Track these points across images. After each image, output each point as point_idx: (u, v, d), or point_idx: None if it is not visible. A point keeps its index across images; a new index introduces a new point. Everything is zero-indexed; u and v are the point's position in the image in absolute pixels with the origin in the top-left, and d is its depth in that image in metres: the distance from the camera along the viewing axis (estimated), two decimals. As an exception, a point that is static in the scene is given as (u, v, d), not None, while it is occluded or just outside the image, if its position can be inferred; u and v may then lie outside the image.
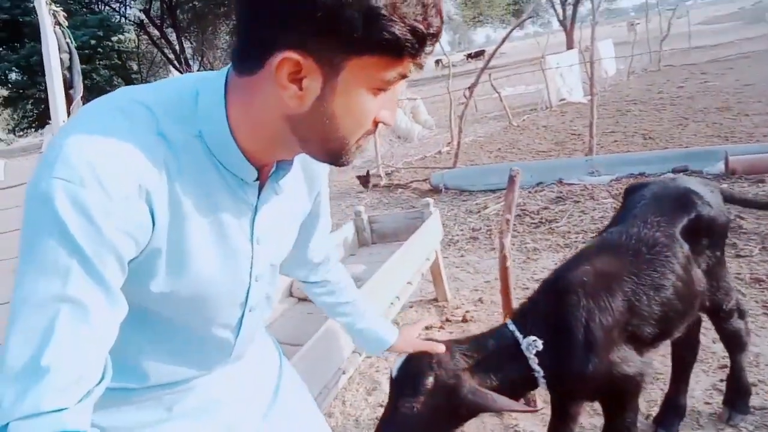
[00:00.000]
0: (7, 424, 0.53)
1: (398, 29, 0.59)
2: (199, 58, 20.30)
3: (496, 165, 6.74)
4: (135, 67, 19.71)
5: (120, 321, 0.63)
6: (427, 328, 3.20)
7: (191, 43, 20.17)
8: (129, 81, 19.08)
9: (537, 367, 1.45)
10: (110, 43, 14.73)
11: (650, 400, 2.21)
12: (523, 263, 3.92)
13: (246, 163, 0.72)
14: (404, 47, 0.60)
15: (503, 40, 5.91)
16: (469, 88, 6.37)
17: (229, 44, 21.47)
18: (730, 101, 8.75)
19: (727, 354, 2.07)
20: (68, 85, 4.06)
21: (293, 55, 0.61)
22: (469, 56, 37.09)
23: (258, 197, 0.78)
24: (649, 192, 1.81)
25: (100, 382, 0.60)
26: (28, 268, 0.58)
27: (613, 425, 1.61)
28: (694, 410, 2.10)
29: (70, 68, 4.03)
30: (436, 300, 3.53)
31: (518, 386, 1.50)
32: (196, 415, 0.88)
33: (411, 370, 1.38)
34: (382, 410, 2.47)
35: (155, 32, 17.76)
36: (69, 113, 3.96)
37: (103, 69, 15.45)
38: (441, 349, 1.40)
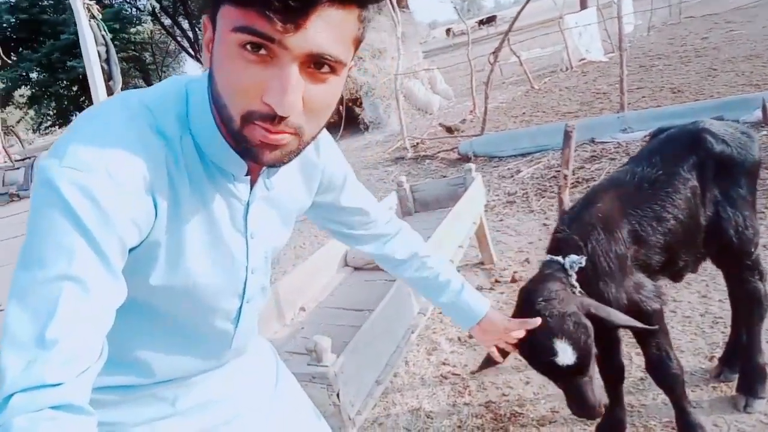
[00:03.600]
0: (11, 395, 0.53)
1: None
2: (212, 44, 20.39)
3: (523, 129, 6.71)
4: (149, 58, 19.84)
5: (120, 303, 0.65)
6: (477, 289, 3.27)
7: (201, 30, 20.12)
8: (145, 72, 19.22)
9: (575, 283, 1.56)
10: (127, 35, 14.83)
11: (712, 343, 2.26)
12: (564, 223, 3.95)
13: (234, 156, 0.73)
14: None
15: (526, 2, 5.81)
16: (493, 53, 6.31)
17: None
18: (758, 49, 8.51)
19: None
20: (107, 76, 4.15)
21: (205, 18, 0.68)
22: (481, 22, 36.42)
23: (250, 193, 0.81)
24: (665, 135, 1.93)
25: (98, 359, 0.61)
26: (35, 247, 0.60)
27: (648, 351, 1.70)
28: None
29: (107, 60, 4.11)
30: (482, 263, 3.60)
31: None
32: (198, 410, 0.92)
33: (574, 339, 1.36)
34: (444, 368, 2.59)
35: (168, 21, 17.82)
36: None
37: (121, 62, 15.57)
38: (537, 322, 1.32)
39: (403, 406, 2.35)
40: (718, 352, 2.16)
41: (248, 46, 0.61)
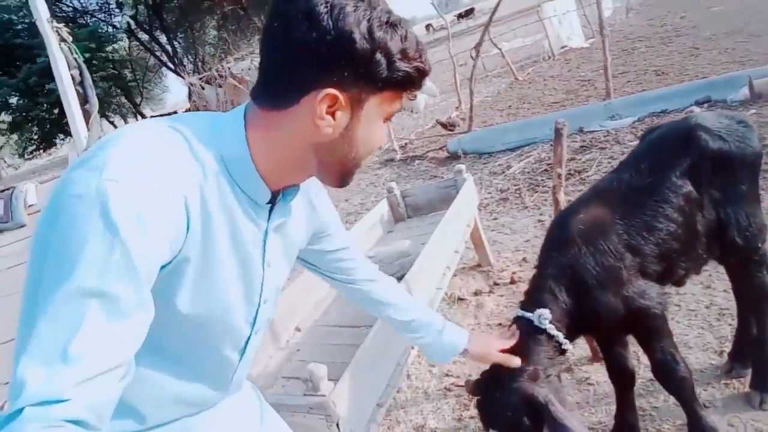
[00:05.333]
0: (22, 408, 0.53)
1: (408, 68, 0.76)
2: (192, 57, 20.13)
3: (512, 123, 6.64)
4: (129, 75, 19.64)
5: (149, 322, 0.65)
6: (476, 293, 3.21)
7: (180, 43, 19.99)
8: (127, 89, 19.02)
9: (556, 333, 1.52)
10: (104, 54, 14.66)
11: (720, 337, 2.20)
12: (558, 217, 3.89)
13: (262, 185, 0.80)
14: (410, 82, 0.78)
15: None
16: (474, 47, 6.24)
17: (218, 38, 21.23)
18: (738, 24, 8.51)
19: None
20: (83, 100, 4.05)
21: (333, 92, 0.74)
22: (460, 16, 36.43)
23: (268, 220, 0.85)
24: (655, 135, 1.83)
25: (121, 379, 0.62)
26: (65, 258, 0.59)
27: (653, 355, 1.64)
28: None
29: (81, 83, 4.01)
30: (479, 266, 3.53)
31: (556, 355, 1.55)
32: None
33: (508, 422, 1.40)
34: (447, 380, 2.51)
35: (145, 36, 17.63)
36: (88, 128, 3.97)
37: (101, 81, 15.40)
38: (517, 362, 1.42)
39: (407, 424, 2.27)
40: (727, 347, 2.10)
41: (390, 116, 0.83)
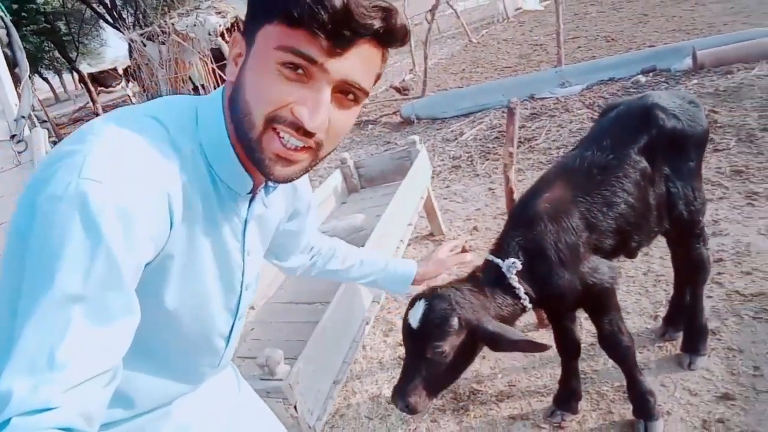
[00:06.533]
0: (9, 419, 0.52)
1: None
2: (132, 10, 18.90)
3: (466, 89, 6.65)
4: (63, 28, 18.31)
5: (135, 325, 0.64)
6: (429, 263, 3.26)
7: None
8: (61, 44, 17.76)
9: (518, 285, 1.57)
10: (35, 6, 13.46)
11: (656, 302, 2.34)
12: (509, 185, 3.96)
13: (243, 173, 0.75)
14: (293, 10, 0.62)
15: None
16: (430, 11, 6.15)
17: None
18: (685, -9, 8.70)
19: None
20: (12, 63, 3.78)
21: (236, 35, 0.71)
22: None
23: (248, 210, 0.82)
24: (614, 114, 1.89)
25: (109, 383, 0.61)
26: (46, 262, 0.57)
27: (601, 326, 1.75)
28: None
29: (9, 45, 3.74)
30: (432, 235, 3.58)
31: (512, 311, 1.61)
32: None
33: (432, 316, 1.44)
34: (402, 350, 2.58)
35: (79, -13, 16.41)
36: (18, 94, 3.72)
37: (31, 35, 14.29)
38: (469, 258, 1.47)
39: (363, 394, 2.33)
40: (662, 311, 2.24)
41: (288, 65, 0.65)
